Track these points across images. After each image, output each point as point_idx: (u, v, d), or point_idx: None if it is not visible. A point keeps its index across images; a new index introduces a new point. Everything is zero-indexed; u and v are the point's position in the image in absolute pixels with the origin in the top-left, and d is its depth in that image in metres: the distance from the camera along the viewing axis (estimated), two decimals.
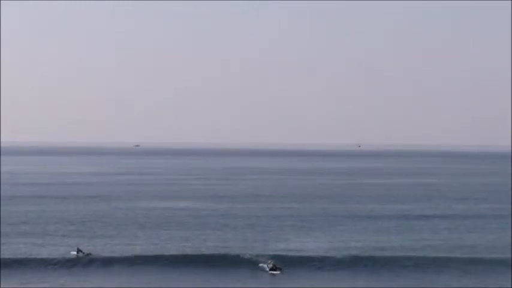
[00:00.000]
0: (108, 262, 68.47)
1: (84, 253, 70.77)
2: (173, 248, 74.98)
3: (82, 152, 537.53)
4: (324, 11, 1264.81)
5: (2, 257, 68.20)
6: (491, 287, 60.17)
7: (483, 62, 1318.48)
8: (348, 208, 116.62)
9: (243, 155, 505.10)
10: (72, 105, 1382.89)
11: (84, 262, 68.22)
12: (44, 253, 71.99)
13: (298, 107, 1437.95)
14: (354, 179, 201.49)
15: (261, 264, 68.01)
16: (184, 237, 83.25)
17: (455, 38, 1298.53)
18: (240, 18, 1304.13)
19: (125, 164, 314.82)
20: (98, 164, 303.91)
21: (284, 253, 71.77)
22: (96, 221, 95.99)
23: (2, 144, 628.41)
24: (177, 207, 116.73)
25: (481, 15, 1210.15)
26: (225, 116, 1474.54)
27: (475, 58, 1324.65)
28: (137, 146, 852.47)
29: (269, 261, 67.85)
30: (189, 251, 72.88)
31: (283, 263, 67.57)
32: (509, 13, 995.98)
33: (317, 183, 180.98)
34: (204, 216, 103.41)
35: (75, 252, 70.91)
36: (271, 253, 71.01)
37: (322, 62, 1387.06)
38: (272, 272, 66.68)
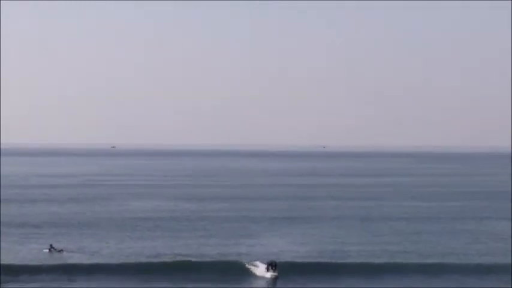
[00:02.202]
0: (80, 261, 66.64)
1: (56, 250, 70.30)
2: (147, 250, 72.96)
3: (62, 153, 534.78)
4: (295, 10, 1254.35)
5: None
6: (491, 287, 57.32)
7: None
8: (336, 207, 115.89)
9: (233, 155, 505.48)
10: (67, 106, 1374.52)
11: (56, 260, 66.55)
12: (18, 251, 71.04)
13: (271, 108, 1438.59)
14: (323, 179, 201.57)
15: (256, 264, 62.14)
16: (157, 237, 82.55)
17: (454, 36, 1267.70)
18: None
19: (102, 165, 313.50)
20: (72, 165, 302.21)
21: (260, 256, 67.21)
22: (71, 222, 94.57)
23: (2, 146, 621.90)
24: (152, 207, 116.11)
25: (480, 15, 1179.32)
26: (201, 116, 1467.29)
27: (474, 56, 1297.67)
28: (113, 147, 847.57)
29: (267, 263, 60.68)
30: (163, 255, 69.47)
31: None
32: (509, 13, 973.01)
33: (282, 183, 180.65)
34: (170, 218, 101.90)
35: (47, 250, 70.44)
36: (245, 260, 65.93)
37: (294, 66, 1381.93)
38: (271, 273, 60.06)
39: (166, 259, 66.18)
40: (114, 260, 65.76)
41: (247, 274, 61.97)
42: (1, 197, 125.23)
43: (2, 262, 63.24)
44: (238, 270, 62.48)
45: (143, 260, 66.14)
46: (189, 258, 66.15)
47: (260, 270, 61.88)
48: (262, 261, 62.35)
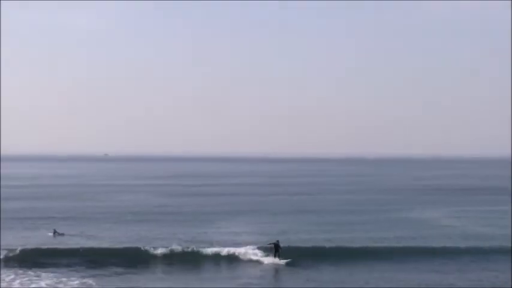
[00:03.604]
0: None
1: (59, 234, 72.52)
2: (133, 236, 73.68)
3: (59, 159, 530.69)
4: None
5: None
6: (491, 286, 51.42)
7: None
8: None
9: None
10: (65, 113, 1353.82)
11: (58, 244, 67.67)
12: (27, 235, 72.56)
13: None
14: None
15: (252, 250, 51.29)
16: (142, 225, 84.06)
17: (452, 37, 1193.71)
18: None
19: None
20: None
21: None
22: (71, 213, 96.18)
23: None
24: (138, 202, 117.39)
25: (480, 15, 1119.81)
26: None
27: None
28: (106, 154, 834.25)
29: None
30: (147, 240, 70.38)
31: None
32: (509, 13, 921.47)
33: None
34: (153, 210, 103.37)
35: (51, 234, 72.63)
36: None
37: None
38: (283, 259, 47.68)
39: (152, 245, 65.11)
40: (105, 243, 67.07)
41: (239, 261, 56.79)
42: (10, 195, 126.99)
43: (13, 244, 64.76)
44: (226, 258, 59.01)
45: (130, 244, 66.56)
46: (172, 246, 64.14)
47: (264, 256, 50.48)
48: (250, 245, 55.53)
